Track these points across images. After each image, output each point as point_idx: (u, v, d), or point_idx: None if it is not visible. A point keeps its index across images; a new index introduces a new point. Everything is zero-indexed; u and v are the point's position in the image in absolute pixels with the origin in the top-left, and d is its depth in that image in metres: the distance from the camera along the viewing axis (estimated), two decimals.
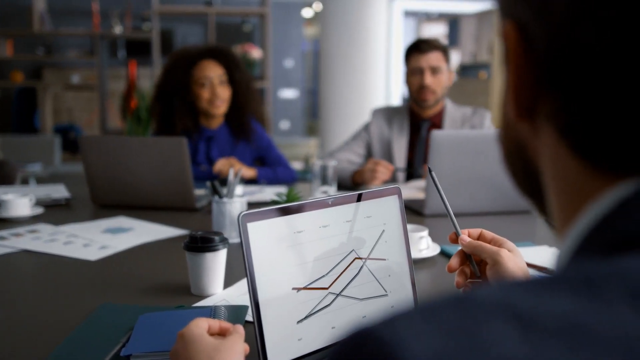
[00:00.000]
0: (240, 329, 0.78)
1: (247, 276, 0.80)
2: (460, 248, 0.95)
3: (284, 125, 10.51)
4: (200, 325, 0.74)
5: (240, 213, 0.80)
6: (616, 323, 0.27)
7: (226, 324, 0.80)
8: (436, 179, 0.97)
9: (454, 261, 0.94)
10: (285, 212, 0.85)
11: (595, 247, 0.34)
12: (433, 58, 2.39)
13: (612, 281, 0.29)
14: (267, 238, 0.83)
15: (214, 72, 2.42)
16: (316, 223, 0.89)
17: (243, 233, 0.80)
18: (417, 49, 2.41)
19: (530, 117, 0.39)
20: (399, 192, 1.01)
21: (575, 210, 0.37)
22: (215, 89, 2.42)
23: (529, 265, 1.32)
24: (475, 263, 0.93)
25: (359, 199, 0.95)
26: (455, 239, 0.95)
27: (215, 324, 0.78)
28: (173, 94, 2.47)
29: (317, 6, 9.51)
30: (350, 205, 0.94)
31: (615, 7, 0.32)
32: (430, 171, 0.99)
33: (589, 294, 0.28)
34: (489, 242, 0.94)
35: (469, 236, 0.95)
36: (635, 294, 0.28)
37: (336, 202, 0.92)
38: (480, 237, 0.96)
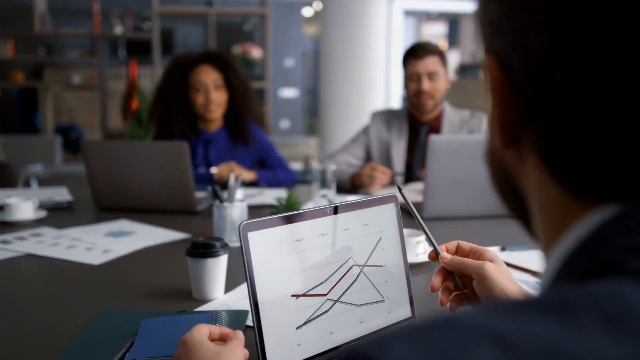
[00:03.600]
0: (239, 334, 0.80)
1: (247, 284, 0.82)
2: (440, 265, 0.94)
3: (284, 124, 10.54)
4: (201, 332, 0.76)
5: (241, 223, 0.83)
6: (591, 348, 0.29)
7: (226, 330, 0.82)
8: (408, 199, 0.96)
9: (436, 280, 0.92)
10: (285, 221, 0.88)
11: (574, 272, 0.36)
12: (430, 63, 2.41)
13: (588, 307, 0.31)
14: (267, 246, 0.85)
15: (208, 77, 2.46)
16: (315, 231, 0.91)
17: (244, 242, 0.83)
18: (414, 54, 2.42)
19: (515, 145, 0.41)
20: (395, 200, 1.04)
21: (558, 234, 0.39)
22: (210, 94, 2.46)
23: (525, 270, 1.35)
24: (457, 277, 0.92)
25: (357, 207, 0.97)
26: (435, 256, 0.94)
27: (216, 329, 0.80)
28: (171, 98, 2.50)
29: (317, 5, 9.53)
30: (348, 213, 0.96)
31: (585, 46, 0.34)
32: (399, 190, 0.97)
33: (566, 320, 0.30)
34: (468, 254, 0.93)
35: (447, 251, 0.94)
36: (607, 320, 0.30)
37: (334, 211, 0.94)
38: (458, 249, 0.95)
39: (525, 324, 0.30)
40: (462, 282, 0.92)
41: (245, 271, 0.82)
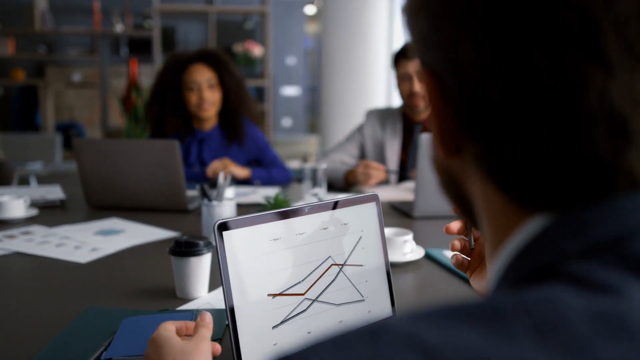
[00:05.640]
0: (203, 330, 0.79)
1: (222, 283, 0.82)
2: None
3: (286, 122, 10.53)
4: (168, 328, 0.76)
5: (216, 221, 0.82)
6: (517, 358, 0.28)
7: (192, 324, 0.82)
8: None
9: (456, 225, 0.91)
10: (262, 220, 0.87)
11: (516, 277, 0.36)
12: None
13: (518, 314, 0.30)
14: (242, 246, 0.85)
15: (202, 77, 2.46)
16: (292, 231, 0.91)
17: (218, 241, 0.82)
18: (404, 55, 2.42)
19: (458, 155, 0.41)
20: (376, 199, 1.03)
21: (503, 240, 0.39)
22: (203, 93, 2.46)
23: None
24: (472, 236, 0.91)
25: (336, 206, 0.97)
26: (453, 229, 0.92)
27: (182, 325, 0.80)
28: (165, 97, 2.51)
29: (320, 3, 9.52)
30: (327, 212, 0.96)
31: (517, 63, 0.34)
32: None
33: (494, 328, 0.30)
34: None
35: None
36: (537, 329, 0.29)
37: (313, 210, 0.94)
38: None
39: (453, 333, 0.30)
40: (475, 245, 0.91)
41: (220, 270, 0.82)
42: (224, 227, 0.83)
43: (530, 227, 0.36)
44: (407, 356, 0.29)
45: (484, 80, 0.36)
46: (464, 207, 0.45)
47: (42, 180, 4.22)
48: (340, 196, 1.02)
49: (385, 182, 2.49)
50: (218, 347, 0.79)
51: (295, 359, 0.30)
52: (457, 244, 0.91)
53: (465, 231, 0.93)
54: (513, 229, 0.38)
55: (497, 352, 0.28)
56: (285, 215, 0.90)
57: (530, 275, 0.35)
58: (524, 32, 0.33)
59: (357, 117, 5.27)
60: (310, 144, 9.28)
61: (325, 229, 0.95)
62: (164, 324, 0.77)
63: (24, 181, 4.08)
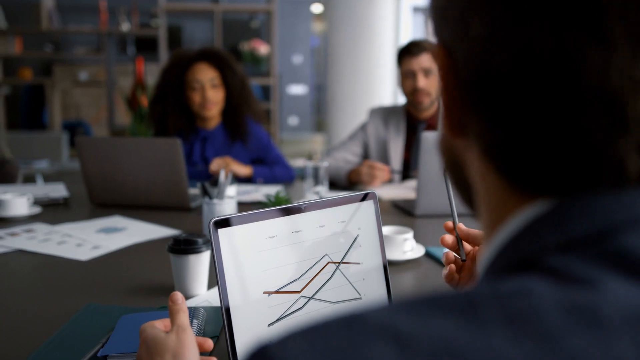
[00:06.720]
0: (179, 317, 0.77)
1: (217, 281, 0.82)
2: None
3: (293, 121, 10.53)
4: (155, 326, 0.76)
5: (211, 219, 0.82)
6: (487, 347, 0.28)
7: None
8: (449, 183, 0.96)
9: (450, 238, 0.93)
10: (257, 218, 0.87)
11: (501, 267, 0.36)
12: (425, 60, 2.40)
13: (491, 304, 0.30)
14: (238, 243, 0.85)
15: (205, 76, 2.46)
16: (288, 228, 0.91)
17: (213, 239, 0.82)
18: (409, 52, 2.42)
19: (462, 134, 0.41)
20: (374, 197, 1.03)
21: (496, 227, 0.39)
22: (206, 93, 2.46)
23: None
24: (464, 249, 0.93)
25: (333, 204, 0.97)
26: (451, 228, 0.95)
27: (168, 322, 0.80)
28: (168, 96, 2.51)
29: (326, 1, 9.51)
30: (324, 210, 0.95)
31: (527, 34, 0.33)
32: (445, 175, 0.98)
33: (467, 317, 0.30)
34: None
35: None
36: (508, 319, 0.29)
37: (310, 208, 0.94)
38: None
39: (427, 323, 0.30)
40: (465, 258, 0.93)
41: (215, 267, 0.82)
42: (219, 224, 0.83)
43: (520, 216, 0.36)
44: (380, 344, 0.29)
45: (492, 51, 0.35)
46: (464, 192, 0.45)
47: (49, 178, 4.24)
48: (338, 194, 1.02)
49: (388, 181, 2.49)
50: (210, 343, 0.79)
51: (274, 348, 0.30)
52: (451, 255, 0.93)
53: (457, 245, 0.94)
54: (507, 217, 0.38)
55: (468, 340, 0.28)
56: (281, 213, 0.90)
57: (512, 268, 0.35)
58: (530, 6, 0.33)
59: (363, 115, 5.26)
60: (317, 142, 9.28)
61: (322, 226, 0.95)
62: (150, 323, 0.77)
63: (30, 179, 4.10)
